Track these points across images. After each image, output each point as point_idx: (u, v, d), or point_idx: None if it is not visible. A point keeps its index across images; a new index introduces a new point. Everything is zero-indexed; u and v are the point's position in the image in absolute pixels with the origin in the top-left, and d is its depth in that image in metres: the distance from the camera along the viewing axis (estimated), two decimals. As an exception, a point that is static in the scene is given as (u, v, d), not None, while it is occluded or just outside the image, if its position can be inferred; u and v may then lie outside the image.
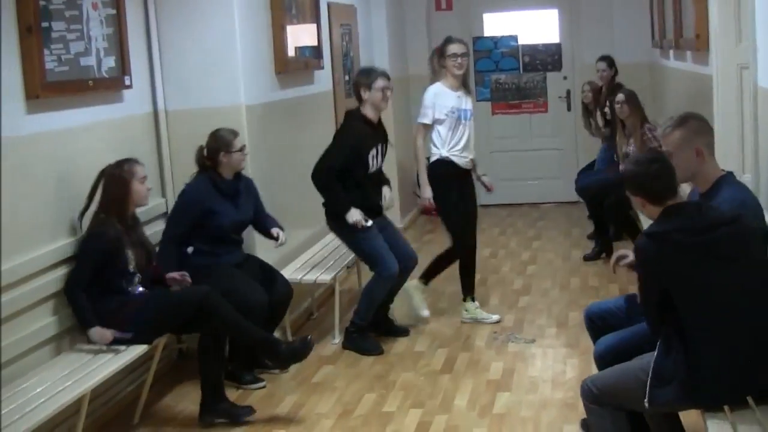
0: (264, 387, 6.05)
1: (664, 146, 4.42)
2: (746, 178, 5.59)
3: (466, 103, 6.99)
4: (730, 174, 4.30)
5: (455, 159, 6.91)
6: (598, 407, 4.18)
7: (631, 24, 10.94)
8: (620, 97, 8.26)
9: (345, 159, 6.46)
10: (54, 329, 5.17)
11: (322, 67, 8.18)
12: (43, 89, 5.08)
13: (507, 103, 11.80)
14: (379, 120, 6.71)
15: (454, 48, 6.88)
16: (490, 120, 11.58)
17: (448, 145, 6.88)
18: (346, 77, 9.05)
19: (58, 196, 5.29)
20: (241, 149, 6.04)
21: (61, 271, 5.24)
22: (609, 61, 9.52)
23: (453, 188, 6.97)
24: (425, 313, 7.13)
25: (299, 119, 7.56)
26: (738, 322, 3.76)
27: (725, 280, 3.78)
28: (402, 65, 10.99)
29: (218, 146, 5.99)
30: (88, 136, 5.62)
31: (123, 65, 5.97)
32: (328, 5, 8.53)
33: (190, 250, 6.01)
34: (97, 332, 5.17)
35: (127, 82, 6.02)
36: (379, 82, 6.50)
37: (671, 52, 8.76)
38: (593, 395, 4.17)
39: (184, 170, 6.40)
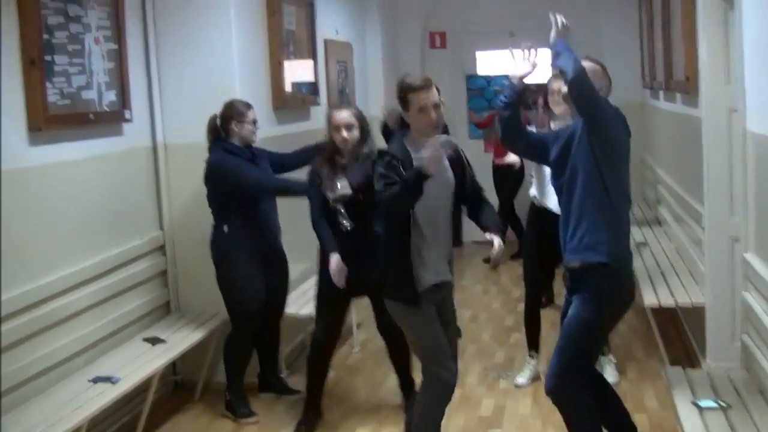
0: (257, 422, 6.11)
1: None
2: (735, 221, 5.70)
3: None
4: None
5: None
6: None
7: (622, 64, 10.93)
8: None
9: None
10: (54, 358, 5.24)
11: (319, 104, 8.27)
12: (46, 122, 5.18)
13: (499, 141, 11.83)
14: None
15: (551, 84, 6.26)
16: (482, 157, 11.60)
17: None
18: (342, 113, 9.13)
19: (59, 226, 5.38)
20: (253, 122, 6.06)
21: (63, 301, 5.33)
22: None
23: None
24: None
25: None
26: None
27: None
28: (396, 102, 11.07)
29: (230, 115, 6.03)
30: (88, 168, 5.71)
31: (123, 99, 6.06)
32: (325, 42, 8.62)
33: (225, 229, 6.04)
34: (334, 260, 5.60)
35: (128, 116, 6.11)
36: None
37: (661, 93, 8.86)
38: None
39: (181, 203, 6.55)
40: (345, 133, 5.66)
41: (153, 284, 6.49)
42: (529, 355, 6.83)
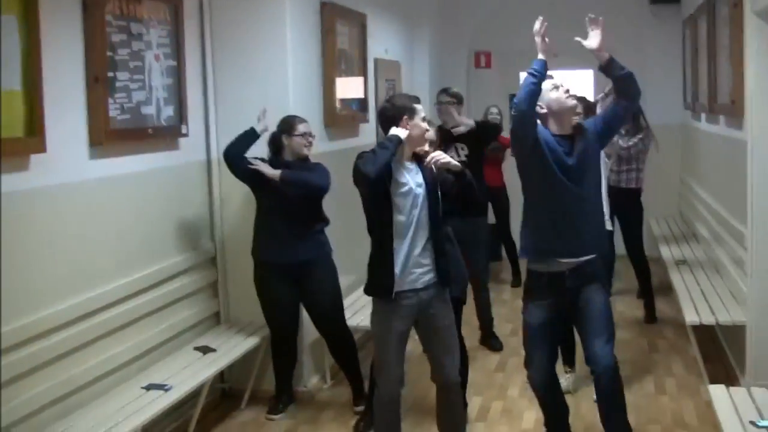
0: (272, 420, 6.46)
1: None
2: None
3: None
4: None
5: None
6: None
7: (664, 86, 11.07)
8: None
9: None
10: (110, 365, 5.42)
11: (368, 121, 8.42)
12: (107, 136, 5.35)
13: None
14: None
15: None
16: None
17: None
18: (390, 130, 9.25)
19: (118, 237, 5.56)
20: (303, 135, 6.19)
21: (120, 309, 5.51)
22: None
23: None
24: None
25: (345, 171, 7.67)
26: None
27: None
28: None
29: (282, 128, 6.23)
30: (146, 181, 5.89)
31: (181, 114, 6.24)
32: (375, 60, 8.77)
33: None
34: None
35: (184, 131, 6.29)
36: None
37: (703, 115, 8.91)
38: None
39: (233, 216, 6.74)
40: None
41: (204, 295, 6.67)
42: (565, 371, 6.93)
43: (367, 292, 5.30)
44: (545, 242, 5.18)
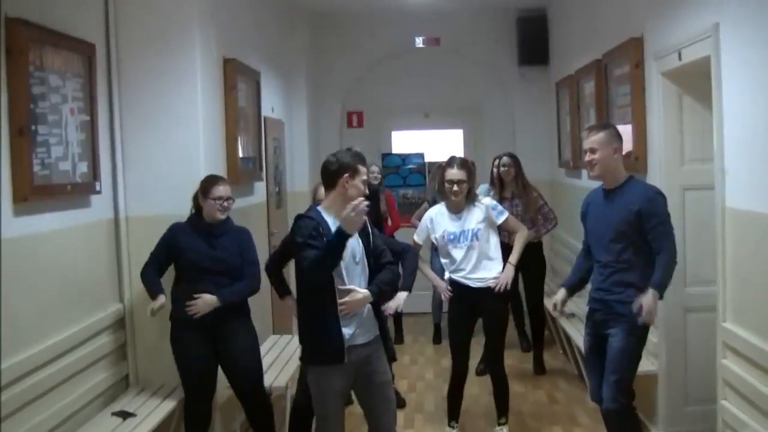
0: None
1: (589, 144, 5.42)
2: (706, 290, 5.97)
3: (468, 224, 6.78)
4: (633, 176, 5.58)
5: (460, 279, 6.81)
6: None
7: (534, 145, 11.41)
8: (506, 160, 8.78)
9: None
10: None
11: (262, 179, 8.33)
12: (31, 192, 5.10)
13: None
14: None
15: (448, 174, 6.83)
16: (399, 232, 11.64)
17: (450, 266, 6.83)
18: (277, 188, 9.20)
19: (38, 300, 5.28)
20: (218, 199, 6.04)
21: (43, 374, 5.20)
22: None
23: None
24: None
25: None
26: None
27: None
28: (318, 177, 11.19)
29: (200, 189, 6.11)
30: (63, 241, 5.61)
31: (94, 171, 6.01)
32: (264, 119, 8.69)
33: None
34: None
35: (98, 188, 6.06)
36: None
37: (584, 171, 9.12)
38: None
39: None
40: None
41: (113, 357, 6.36)
42: (450, 425, 6.99)
43: (312, 361, 5.22)
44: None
